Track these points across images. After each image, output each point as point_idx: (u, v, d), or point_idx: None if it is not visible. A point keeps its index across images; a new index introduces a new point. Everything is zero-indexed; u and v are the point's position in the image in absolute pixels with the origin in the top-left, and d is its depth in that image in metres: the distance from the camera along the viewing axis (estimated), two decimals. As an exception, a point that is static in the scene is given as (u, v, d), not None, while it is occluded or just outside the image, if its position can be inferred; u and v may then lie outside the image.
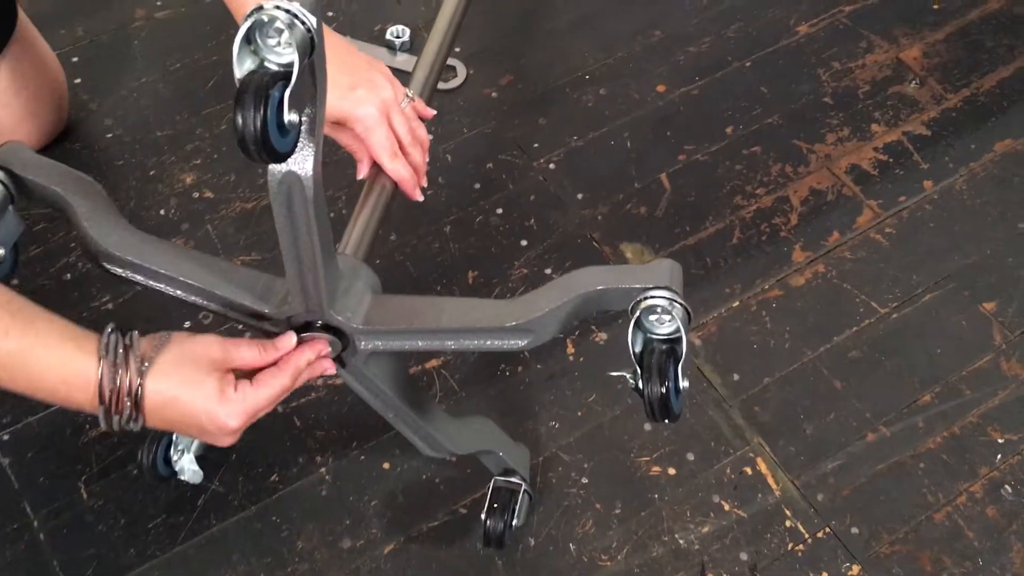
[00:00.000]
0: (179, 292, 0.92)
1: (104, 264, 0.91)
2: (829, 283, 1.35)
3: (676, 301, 0.83)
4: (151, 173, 1.42)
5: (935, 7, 1.65)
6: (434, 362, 1.26)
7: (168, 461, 1.11)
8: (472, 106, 1.52)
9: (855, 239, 1.39)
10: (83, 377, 0.79)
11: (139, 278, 0.92)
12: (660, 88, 1.55)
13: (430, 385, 1.24)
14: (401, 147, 1.03)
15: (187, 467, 1.11)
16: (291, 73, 0.69)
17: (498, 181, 1.43)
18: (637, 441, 1.21)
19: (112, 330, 0.81)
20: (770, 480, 1.19)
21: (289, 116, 0.70)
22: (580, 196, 1.42)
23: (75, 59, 1.54)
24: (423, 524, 1.15)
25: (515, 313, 0.88)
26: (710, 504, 1.17)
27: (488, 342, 0.89)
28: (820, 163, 1.47)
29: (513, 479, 1.10)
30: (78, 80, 1.52)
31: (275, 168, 0.78)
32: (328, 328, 0.91)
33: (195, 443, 1.13)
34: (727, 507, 1.17)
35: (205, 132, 1.47)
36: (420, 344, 0.91)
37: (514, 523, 1.08)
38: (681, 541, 1.14)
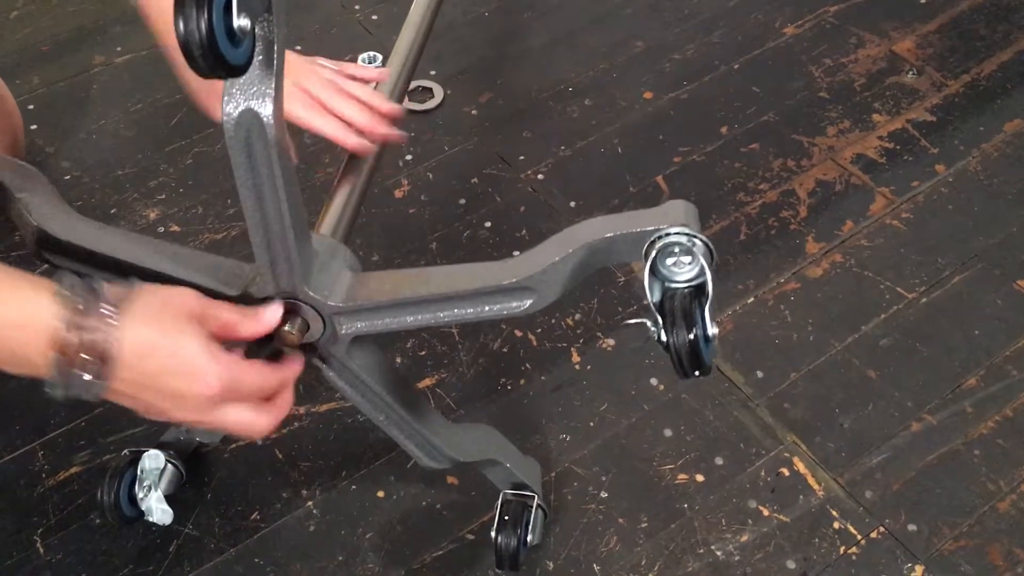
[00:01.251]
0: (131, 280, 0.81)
1: (47, 254, 0.81)
2: (849, 272, 1.25)
3: (696, 237, 0.73)
4: (112, 211, 1.32)
5: (922, 1, 1.60)
6: (428, 381, 1.15)
7: (133, 500, 0.99)
8: (452, 124, 1.44)
9: (871, 226, 1.29)
10: (39, 319, 0.64)
11: (86, 268, 0.81)
12: (647, 95, 1.47)
13: (425, 406, 1.13)
14: (357, 129, 0.94)
15: (155, 506, 0.98)
16: (239, -27, 0.61)
17: (484, 195, 1.34)
18: (658, 448, 1.09)
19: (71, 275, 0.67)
20: (810, 480, 1.06)
21: (239, 21, 0.61)
22: (573, 204, 1.33)
23: (31, 107, 1.46)
24: (426, 554, 1.01)
25: (513, 271, 0.77)
26: (747, 510, 1.04)
27: (486, 307, 0.78)
28: (824, 155, 1.38)
29: (524, 492, 0.98)
30: (34, 126, 1.44)
31: (231, 108, 0.69)
32: (303, 311, 0.80)
33: (163, 480, 1.01)
34: (766, 512, 1.04)
35: (169, 168, 1.38)
36: (409, 320, 0.80)
37: (529, 539, 0.95)
38: (719, 553, 1.01)
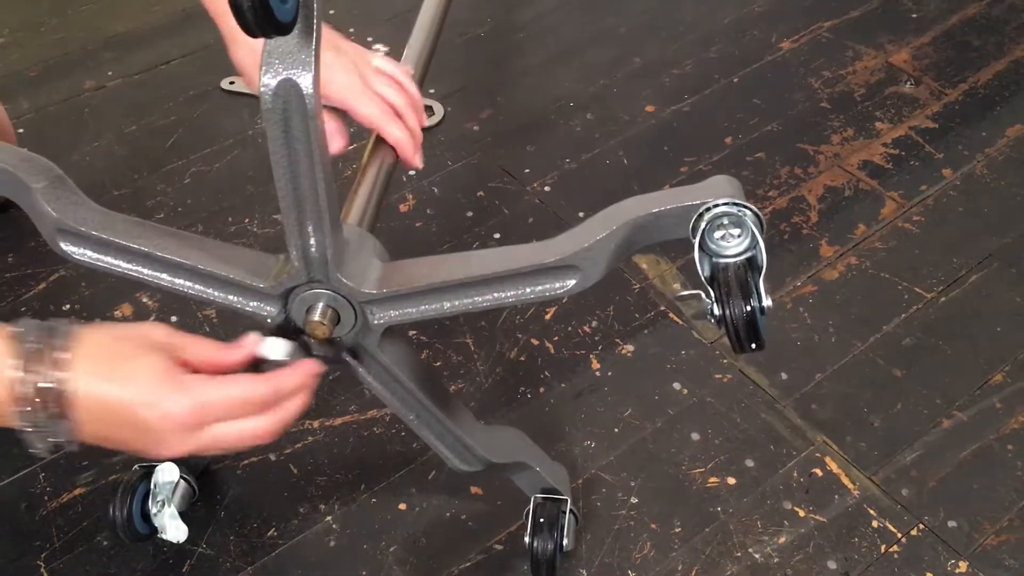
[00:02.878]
0: (155, 273, 0.78)
1: (65, 246, 0.77)
2: (865, 274, 1.23)
3: (746, 207, 0.71)
4: (109, 231, 1.28)
5: (913, 16, 1.62)
6: (445, 391, 1.11)
7: (146, 517, 0.94)
8: (454, 140, 1.42)
9: (883, 229, 1.28)
10: None
11: (108, 260, 0.77)
12: (649, 109, 1.47)
13: (443, 417, 1.09)
14: (393, 109, 0.92)
15: (169, 522, 0.93)
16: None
17: (492, 207, 1.32)
18: (686, 452, 1.06)
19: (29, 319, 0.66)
20: (844, 479, 1.04)
21: (286, -23, 0.59)
22: (582, 214, 1.31)
23: (21, 131, 1.43)
24: (453, 567, 0.97)
25: (557, 249, 0.74)
26: (782, 512, 1.01)
27: (527, 289, 0.75)
28: (830, 162, 1.38)
29: (556, 496, 0.94)
30: (24, 150, 1.40)
31: (268, 79, 0.66)
32: (334, 300, 0.77)
33: (176, 495, 0.96)
34: (802, 513, 1.01)
35: (167, 188, 1.35)
36: (446, 306, 0.77)
37: (564, 543, 0.91)
38: (757, 555, 0.98)
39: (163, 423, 0.65)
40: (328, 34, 0.91)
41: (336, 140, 0.89)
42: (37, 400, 0.63)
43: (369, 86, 0.90)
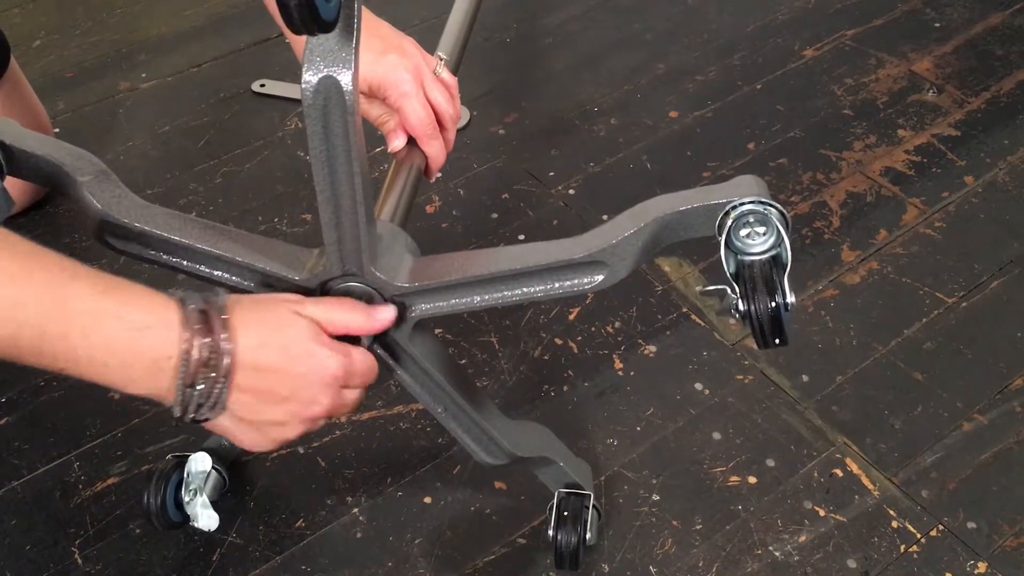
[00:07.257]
0: (194, 265, 0.80)
1: (108, 238, 0.80)
2: (886, 279, 1.24)
3: (771, 206, 0.73)
4: (142, 228, 1.31)
5: (936, 25, 1.63)
6: (470, 388, 1.13)
7: (179, 505, 0.96)
8: (480, 143, 1.44)
9: (905, 235, 1.30)
10: (164, 320, 0.64)
11: (149, 252, 0.80)
12: (672, 114, 1.48)
13: (468, 413, 1.11)
14: (440, 119, 0.95)
15: (201, 511, 0.95)
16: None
17: (516, 209, 1.34)
18: (708, 451, 1.07)
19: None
20: (864, 480, 1.05)
21: (330, -22, 0.61)
22: (606, 217, 1.32)
23: (57, 130, 1.46)
24: (478, 559, 0.99)
25: (585, 245, 0.76)
26: (802, 511, 1.02)
27: (556, 284, 0.78)
28: (852, 168, 1.39)
29: (579, 491, 0.96)
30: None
31: (310, 75, 0.68)
32: (368, 293, 0.79)
33: (208, 485, 0.98)
34: (822, 512, 1.02)
35: (199, 187, 1.37)
36: (476, 300, 0.79)
37: (587, 537, 0.93)
38: (777, 553, 0.99)
39: (321, 379, 0.70)
40: (394, 36, 0.94)
41: (397, 137, 0.93)
42: (202, 363, 0.65)
43: (424, 92, 0.93)
